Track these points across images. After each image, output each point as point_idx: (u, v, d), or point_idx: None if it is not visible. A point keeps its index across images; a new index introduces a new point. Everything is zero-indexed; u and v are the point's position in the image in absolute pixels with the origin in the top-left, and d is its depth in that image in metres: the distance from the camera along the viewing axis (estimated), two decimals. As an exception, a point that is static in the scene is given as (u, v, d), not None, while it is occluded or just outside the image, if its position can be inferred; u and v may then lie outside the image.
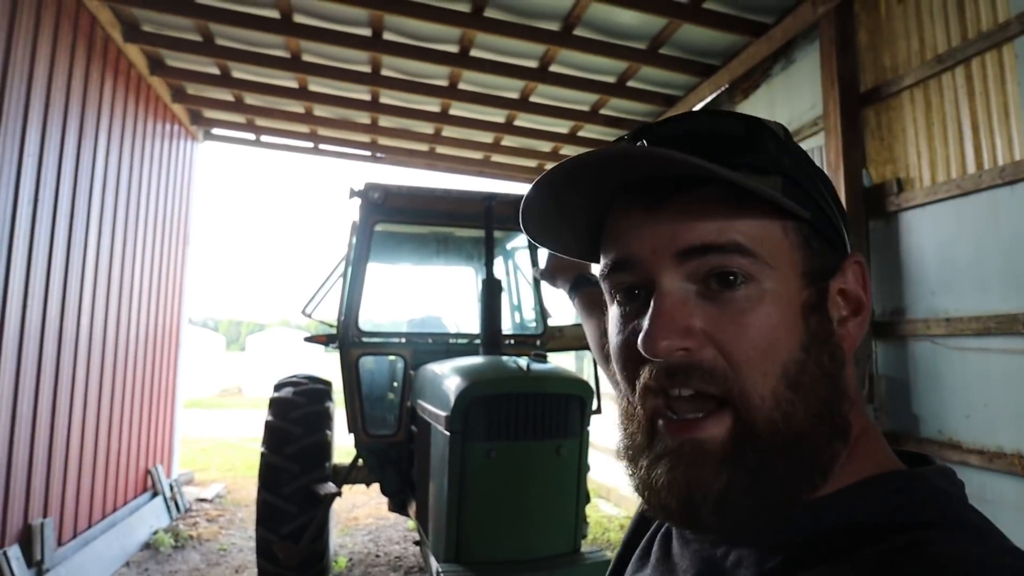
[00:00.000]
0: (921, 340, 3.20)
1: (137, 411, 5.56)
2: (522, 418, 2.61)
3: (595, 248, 0.55)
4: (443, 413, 2.71)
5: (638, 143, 0.49)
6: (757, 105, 4.64)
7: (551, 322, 4.37)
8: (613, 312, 0.51)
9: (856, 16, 3.67)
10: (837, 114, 3.63)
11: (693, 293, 0.45)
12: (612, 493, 6.89)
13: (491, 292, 3.45)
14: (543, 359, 2.93)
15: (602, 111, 5.71)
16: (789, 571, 0.42)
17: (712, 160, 0.42)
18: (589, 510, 5.03)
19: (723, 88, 4.88)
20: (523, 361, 2.78)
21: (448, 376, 2.86)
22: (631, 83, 5.15)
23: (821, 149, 3.90)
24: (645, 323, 0.45)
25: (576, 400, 2.69)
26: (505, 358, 3.02)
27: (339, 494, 4.07)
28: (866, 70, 3.62)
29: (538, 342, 4.25)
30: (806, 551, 0.42)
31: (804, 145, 4.12)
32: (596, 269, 0.55)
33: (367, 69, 5.11)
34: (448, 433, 2.63)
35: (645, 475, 0.47)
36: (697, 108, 5.26)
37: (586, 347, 4.55)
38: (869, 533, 0.41)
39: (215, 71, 5.30)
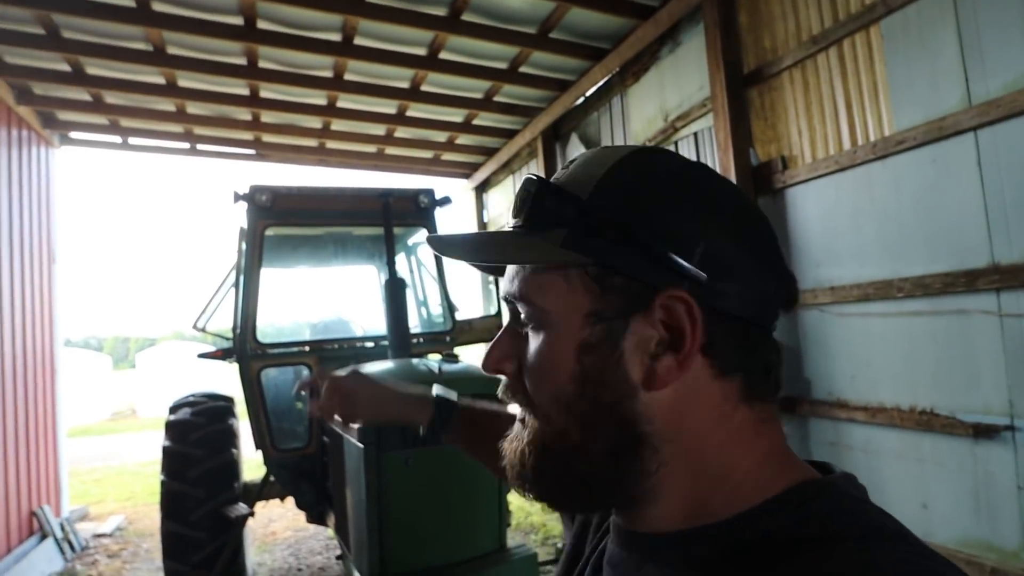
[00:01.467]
0: (810, 309, 3.41)
1: (12, 448, 4.99)
2: (437, 422, 2.56)
3: None
4: (355, 425, 2.61)
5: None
6: (648, 87, 4.75)
7: (459, 316, 4.33)
8: None
9: (736, -1, 3.78)
10: (723, 95, 3.74)
11: (518, 328, 0.56)
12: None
13: (395, 292, 3.34)
14: (454, 359, 2.89)
15: (496, 98, 5.65)
16: None
17: (520, 225, 0.54)
18: (511, 496, 5.09)
19: (614, 71, 4.96)
20: (434, 363, 2.72)
21: (356, 385, 2.75)
22: (523, 69, 5.13)
23: (711, 130, 4.05)
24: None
25: (491, 400, 2.67)
26: (415, 361, 2.95)
27: (251, 514, 3.87)
28: (748, 52, 3.75)
29: (447, 338, 4.20)
30: (723, 567, 0.45)
31: (695, 126, 4.27)
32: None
33: (243, 61, 4.76)
34: (362, 445, 2.53)
35: (503, 449, 0.58)
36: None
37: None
38: (787, 546, 0.43)
39: (65, 67, 4.73)
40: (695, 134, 4.26)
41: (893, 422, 2.97)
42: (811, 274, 3.39)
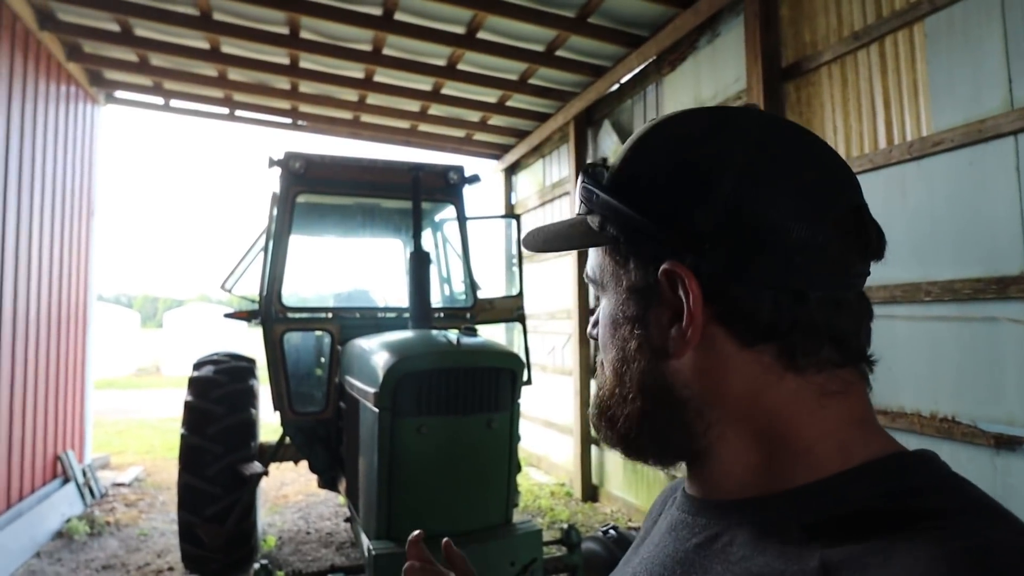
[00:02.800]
0: (833, 309, 3.37)
1: (42, 393, 5.19)
2: (452, 393, 2.59)
3: None
4: (371, 389, 2.66)
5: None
6: (684, 77, 4.70)
7: (481, 295, 4.36)
8: None
9: (778, -10, 3.71)
10: (760, 88, 3.70)
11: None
12: (543, 461, 7.06)
13: (419, 265, 3.39)
14: (473, 332, 2.92)
15: (531, 80, 5.64)
16: (784, 553, 0.43)
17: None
18: (520, 478, 5.14)
19: (651, 60, 4.92)
20: (453, 335, 2.76)
21: (376, 352, 2.81)
22: (560, 52, 5.11)
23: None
24: None
25: (507, 373, 2.70)
26: (435, 332, 2.99)
27: (265, 473, 3.98)
28: (787, 45, 3.70)
29: (468, 315, 4.24)
30: (799, 534, 0.43)
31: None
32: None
33: (284, 31, 4.82)
34: (377, 410, 2.59)
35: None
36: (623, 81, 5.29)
37: (516, 318, 4.60)
38: (878, 516, 0.42)
39: (115, 27, 4.85)
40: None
41: (913, 428, 2.93)
42: (837, 274, 3.34)
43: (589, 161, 0.57)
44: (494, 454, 2.72)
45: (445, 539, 0.87)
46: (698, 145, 0.50)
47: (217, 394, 4.08)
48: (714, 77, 4.38)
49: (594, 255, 0.58)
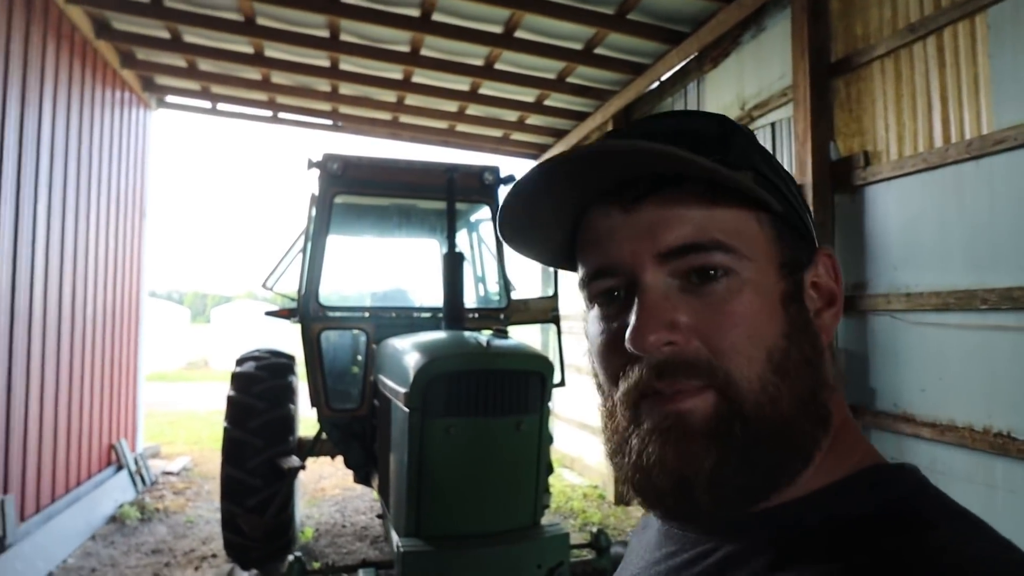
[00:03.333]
0: (881, 315, 3.23)
1: (98, 385, 5.45)
2: (482, 394, 2.59)
3: (569, 256, 0.55)
4: (402, 389, 2.69)
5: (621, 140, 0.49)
6: (726, 74, 4.58)
7: (515, 295, 4.35)
8: (593, 315, 0.52)
9: (828, -19, 3.57)
10: (806, 85, 3.56)
11: (676, 288, 0.46)
12: (576, 463, 7.01)
13: (453, 266, 3.41)
14: (504, 334, 2.93)
15: (569, 79, 5.60)
16: (780, 569, 0.41)
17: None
18: (553, 479, 5.12)
19: (692, 56, 4.81)
20: (484, 337, 2.76)
21: (408, 352, 2.83)
22: (598, 50, 5.05)
23: (789, 120, 3.87)
24: (632, 319, 0.45)
25: (536, 376, 2.69)
26: (466, 334, 3.00)
27: (303, 467, 4.07)
28: (837, 39, 3.54)
29: (502, 316, 4.24)
30: (799, 548, 0.42)
31: (772, 116, 4.10)
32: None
33: (325, 33, 4.92)
34: (407, 409, 2.61)
35: (636, 457, 0.46)
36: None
37: (551, 320, 4.58)
38: (866, 529, 0.41)
39: (165, 35, 5.05)
40: (772, 124, 4.09)
41: (963, 442, 2.78)
42: (886, 278, 3.21)
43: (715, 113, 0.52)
44: (522, 456, 2.71)
45: None
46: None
47: (258, 389, 4.20)
48: (758, 74, 4.25)
49: (718, 216, 0.46)
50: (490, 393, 2.61)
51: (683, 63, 4.94)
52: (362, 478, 4.13)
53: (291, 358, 4.63)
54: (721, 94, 4.66)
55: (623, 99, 5.59)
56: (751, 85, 4.32)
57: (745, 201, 0.46)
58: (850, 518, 0.42)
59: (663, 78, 5.23)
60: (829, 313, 0.49)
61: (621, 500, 5.82)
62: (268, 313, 4.44)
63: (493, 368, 2.61)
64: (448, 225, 3.55)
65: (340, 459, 4.45)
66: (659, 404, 0.46)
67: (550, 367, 2.74)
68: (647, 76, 5.22)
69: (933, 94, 3.00)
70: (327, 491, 6.15)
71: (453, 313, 3.38)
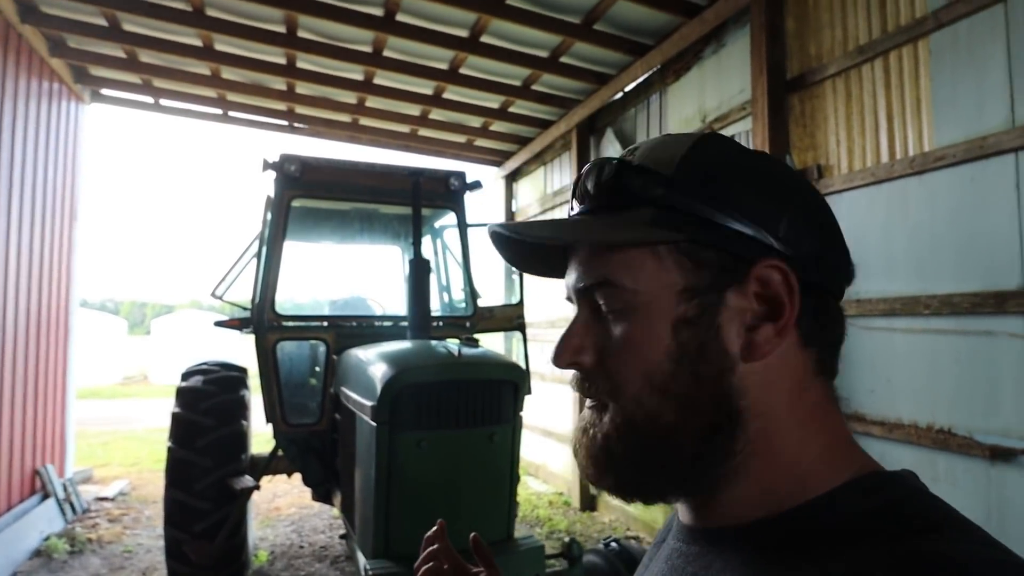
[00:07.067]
0: (833, 320, 3.34)
1: (20, 404, 4.99)
2: (454, 406, 2.48)
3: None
4: (369, 403, 2.54)
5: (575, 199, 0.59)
6: (688, 87, 4.65)
7: (480, 303, 4.24)
8: None
9: (785, 3, 3.69)
10: (764, 99, 3.67)
11: (593, 318, 0.54)
12: (540, 470, 6.94)
13: (419, 273, 3.30)
14: (474, 343, 2.81)
15: (534, 87, 5.57)
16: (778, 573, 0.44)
17: (588, 210, 0.55)
18: (519, 488, 5.01)
19: (655, 68, 4.85)
20: (454, 346, 2.64)
21: (374, 363, 2.69)
22: (564, 59, 5.04)
23: (748, 133, 3.94)
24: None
25: (509, 385, 2.59)
26: (434, 343, 2.88)
27: (257, 487, 3.83)
28: (793, 57, 3.67)
29: (468, 324, 4.11)
30: (792, 557, 0.44)
31: (732, 129, 4.18)
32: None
33: (282, 29, 4.71)
34: (375, 424, 2.47)
35: (573, 440, 0.57)
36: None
37: (516, 327, 4.48)
38: (862, 532, 0.43)
39: (101, 22, 4.70)
40: (732, 137, 4.15)
41: (909, 439, 2.96)
42: (838, 285, 3.31)
43: (606, 156, 0.59)
44: (496, 469, 2.62)
45: (473, 534, 0.87)
46: (757, 163, 0.53)
47: (206, 405, 3.92)
48: (718, 88, 4.34)
49: (613, 256, 0.52)
50: (462, 404, 2.51)
51: (646, 75, 4.99)
52: (322, 496, 3.93)
53: (243, 371, 4.36)
54: (683, 106, 4.71)
55: (587, 108, 5.59)
56: (712, 98, 4.39)
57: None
58: (847, 522, 0.44)
59: (627, 89, 5.27)
60: (768, 327, 0.49)
61: (587, 506, 5.75)
62: (218, 323, 4.18)
63: (465, 378, 2.51)
64: (413, 231, 3.44)
65: (297, 477, 4.23)
66: (583, 407, 0.57)
67: (523, 376, 2.66)
68: (611, 86, 5.24)
69: (880, 113, 3.15)
70: (282, 510, 5.84)
71: (419, 322, 3.26)
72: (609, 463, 0.52)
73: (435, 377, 2.46)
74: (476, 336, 3.54)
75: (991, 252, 2.64)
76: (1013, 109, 2.56)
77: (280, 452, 3.95)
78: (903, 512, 0.44)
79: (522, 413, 2.70)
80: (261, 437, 4.51)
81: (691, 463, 0.50)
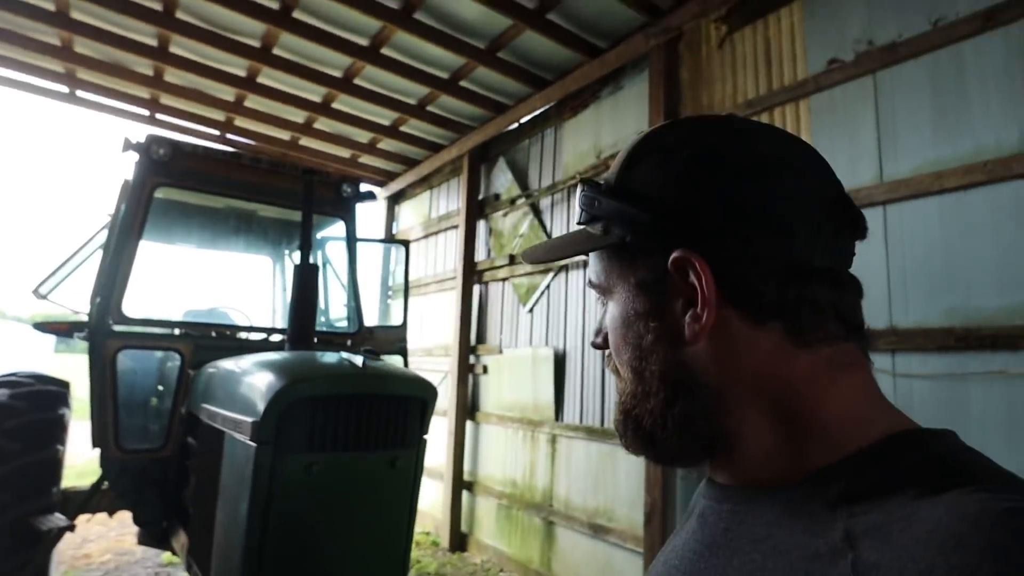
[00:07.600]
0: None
1: None
2: (353, 424, 2.19)
3: None
4: (247, 419, 2.17)
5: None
6: (584, 124, 4.80)
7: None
8: None
9: (681, 55, 3.96)
10: (660, 143, 3.87)
11: (603, 308, 0.62)
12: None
13: (306, 279, 2.97)
14: (375, 356, 2.55)
15: (429, 107, 5.45)
16: (817, 529, 0.44)
17: (582, 222, 0.61)
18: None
19: (553, 103, 4.98)
20: (358, 358, 2.36)
21: (253, 373, 2.33)
22: (464, 83, 4.99)
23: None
24: None
25: (418, 403, 2.36)
26: (328, 353, 2.58)
27: (71, 528, 3.16)
28: (687, 106, 3.91)
29: (349, 342, 3.79)
30: (822, 507, 0.45)
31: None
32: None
33: (157, 5, 4.18)
34: (254, 444, 2.11)
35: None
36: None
37: (397, 352, 4.22)
38: (905, 490, 0.42)
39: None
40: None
41: None
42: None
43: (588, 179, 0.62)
44: (396, 499, 2.35)
45: None
46: (693, 145, 0.54)
47: (11, 425, 3.20)
48: (614, 128, 4.52)
49: (596, 260, 0.60)
50: (363, 423, 2.23)
51: (544, 108, 5.10)
52: (156, 538, 3.33)
53: (64, 385, 3.65)
54: (578, 142, 4.85)
55: (482, 135, 5.58)
56: (607, 136, 4.57)
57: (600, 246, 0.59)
58: (886, 478, 0.44)
59: (523, 120, 5.34)
60: (692, 313, 0.51)
61: (457, 547, 5.47)
62: (39, 326, 3.49)
63: (371, 393, 2.23)
64: (303, 233, 3.12)
65: (119, 516, 3.56)
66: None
67: (434, 394, 2.44)
68: (508, 116, 5.28)
69: (767, 165, 3.43)
70: (93, 557, 4.88)
71: (301, 332, 2.92)
72: (620, 431, 0.59)
73: (333, 390, 2.16)
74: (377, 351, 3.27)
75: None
76: (881, 166, 2.87)
77: (105, 484, 3.31)
78: (941, 466, 0.44)
79: (427, 436, 2.47)
80: (72, 470, 3.78)
81: (673, 432, 0.54)
